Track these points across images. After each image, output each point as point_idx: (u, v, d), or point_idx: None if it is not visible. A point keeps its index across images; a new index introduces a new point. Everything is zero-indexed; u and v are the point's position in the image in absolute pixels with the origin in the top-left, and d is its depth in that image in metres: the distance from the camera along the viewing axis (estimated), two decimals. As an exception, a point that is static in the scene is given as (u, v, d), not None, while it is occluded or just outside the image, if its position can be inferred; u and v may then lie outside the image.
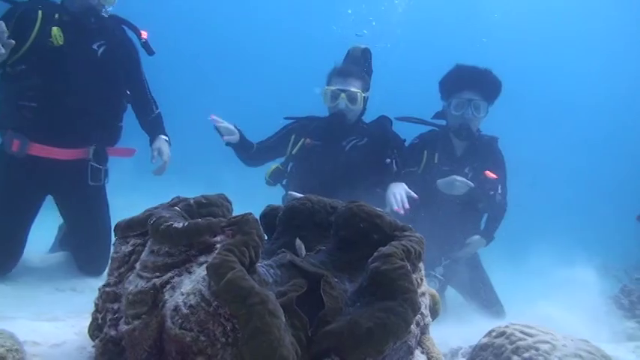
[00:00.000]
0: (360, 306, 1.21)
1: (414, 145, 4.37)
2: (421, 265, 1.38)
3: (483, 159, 4.27)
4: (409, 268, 1.21)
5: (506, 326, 1.62)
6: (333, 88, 3.95)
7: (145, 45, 3.74)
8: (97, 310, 1.44)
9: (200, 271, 1.19)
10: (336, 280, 1.32)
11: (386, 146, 3.99)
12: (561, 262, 4.97)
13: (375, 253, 1.26)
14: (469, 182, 3.97)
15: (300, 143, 4.05)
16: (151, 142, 3.83)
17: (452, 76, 4.30)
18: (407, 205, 3.56)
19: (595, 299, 4.06)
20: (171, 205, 1.43)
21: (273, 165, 4.08)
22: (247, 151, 4.12)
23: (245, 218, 1.22)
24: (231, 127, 3.93)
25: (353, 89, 3.91)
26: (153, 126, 3.90)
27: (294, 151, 4.08)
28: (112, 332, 1.34)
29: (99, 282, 3.83)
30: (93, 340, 1.45)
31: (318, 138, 4.05)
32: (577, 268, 4.57)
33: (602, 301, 4.10)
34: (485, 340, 1.62)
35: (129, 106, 3.87)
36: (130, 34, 3.80)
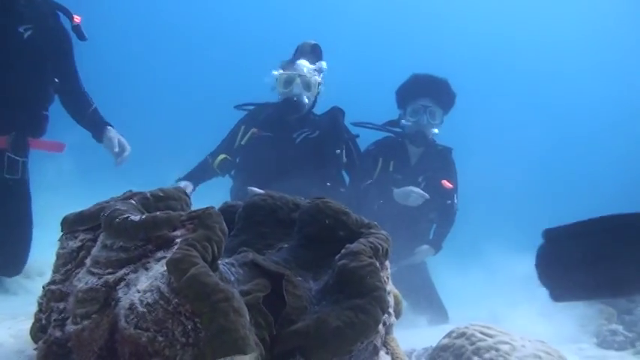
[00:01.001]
0: (327, 304, 1.17)
1: (370, 151, 4.39)
2: (387, 263, 1.35)
3: (437, 169, 4.33)
4: (378, 265, 1.18)
5: (466, 327, 1.62)
6: (288, 72, 3.89)
7: (76, 29, 3.54)
8: (40, 310, 1.34)
9: (158, 267, 1.12)
10: (299, 278, 1.27)
11: (337, 137, 3.97)
12: (504, 266, 5.10)
13: (343, 250, 1.22)
14: (425, 194, 4.00)
15: (249, 134, 3.97)
16: (98, 135, 3.63)
17: (408, 84, 4.36)
18: None
19: (539, 302, 4.16)
20: (125, 198, 1.34)
21: (221, 155, 3.99)
22: (208, 173, 4.03)
23: (207, 212, 1.16)
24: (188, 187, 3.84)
25: (309, 74, 3.89)
26: (94, 120, 3.68)
27: (243, 142, 3.99)
28: (58, 333, 1.24)
29: (34, 283, 3.66)
30: (35, 342, 1.35)
31: (269, 129, 3.98)
32: (521, 271, 4.70)
33: (546, 303, 4.20)
34: (445, 341, 1.61)
35: (56, 97, 3.65)
36: (66, 21, 3.60)
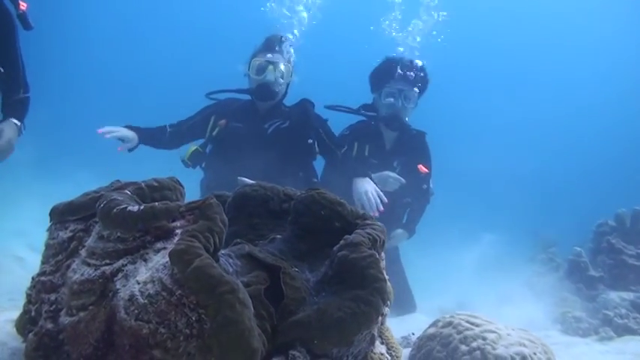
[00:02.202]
0: (326, 295, 1.18)
1: (344, 136, 4.41)
2: (383, 254, 1.36)
3: (412, 153, 4.38)
4: (377, 256, 1.19)
5: (452, 316, 1.65)
6: (261, 59, 3.89)
7: (22, 17, 3.23)
8: (29, 302, 1.30)
9: (158, 259, 1.11)
10: (296, 269, 1.28)
11: (307, 127, 3.98)
12: (469, 256, 5.21)
13: (342, 242, 1.23)
14: (401, 179, 4.07)
15: (218, 127, 3.96)
16: None
17: (382, 67, 4.38)
18: (381, 208, 3.57)
19: (503, 291, 4.27)
20: (116, 188, 1.32)
21: (192, 146, 3.95)
22: (159, 141, 3.98)
23: (208, 203, 1.15)
24: (124, 132, 3.73)
25: (281, 62, 3.89)
26: (12, 108, 3.34)
27: (214, 133, 3.97)
28: (49, 325, 1.22)
29: (3, 277, 3.55)
30: (23, 334, 1.31)
31: (240, 120, 3.96)
32: (481, 259, 4.81)
33: (514, 289, 4.32)
34: (432, 330, 1.64)
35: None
36: (9, 5, 3.28)
